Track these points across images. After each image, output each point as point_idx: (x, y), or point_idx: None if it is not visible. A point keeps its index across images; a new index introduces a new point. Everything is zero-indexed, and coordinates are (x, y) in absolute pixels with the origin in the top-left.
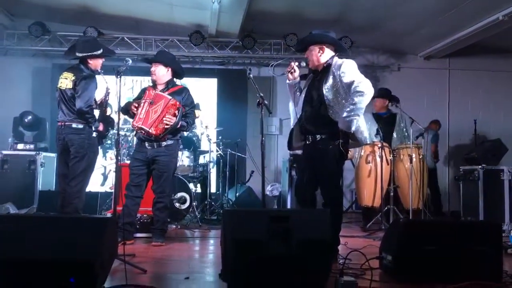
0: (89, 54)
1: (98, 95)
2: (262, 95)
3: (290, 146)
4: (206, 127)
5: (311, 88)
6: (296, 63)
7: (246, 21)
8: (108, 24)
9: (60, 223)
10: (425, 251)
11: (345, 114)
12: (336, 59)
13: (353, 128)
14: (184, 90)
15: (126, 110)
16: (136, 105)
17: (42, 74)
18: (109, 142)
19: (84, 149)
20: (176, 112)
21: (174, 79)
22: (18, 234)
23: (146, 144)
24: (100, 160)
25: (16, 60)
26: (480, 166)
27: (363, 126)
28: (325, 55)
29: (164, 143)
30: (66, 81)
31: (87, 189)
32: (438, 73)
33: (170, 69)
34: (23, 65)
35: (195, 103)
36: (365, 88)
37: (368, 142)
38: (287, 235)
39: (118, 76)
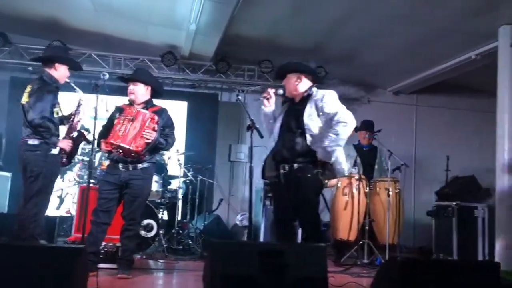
0: (55, 55)
1: (68, 109)
2: (252, 118)
3: (263, 175)
4: (177, 150)
5: (289, 116)
6: (273, 90)
7: (221, 45)
8: (75, 39)
9: (27, 253)
10: None
11: (326, 144)
12: (317, 89)
13: (333, 159)
14: (164, 111)
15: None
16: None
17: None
18: None
19: (39, 168)
20: (155, 126)
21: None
22: None
23: (120, 166)
24: (57, 182)
25: None
26: (454, 203)
27: (342, 157)
28: (303, 84)
29: (140, 166)
30: (25, 94)
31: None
32: (406, 108)
33: (149, 88)
34: None
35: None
36: (349, 119)
37: (346, 174)
38: (282, 272)
39: (96, 91)
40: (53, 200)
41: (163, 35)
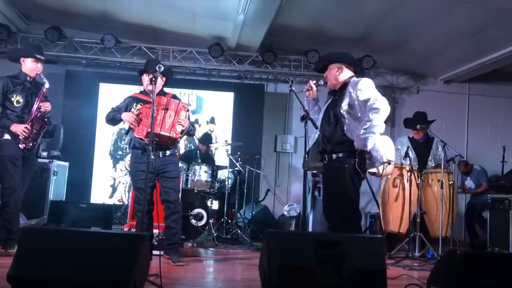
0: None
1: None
2: (306, 109)
3: (307, 166)
4: (226, 141)
5: (329, 107)
6: (314, 81)
7: (267, 35)
8: (126, 32)
9: (94, 239)
10: (483, 286)
11: (361, 132)
12: (354, 78)
13: (369, 147)
14: (176, 97)
15: (114, 119)
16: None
17: (55, 80)
18: (120, 153)
19: None
20: (187, 114)
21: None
22: (51, 252)
23: (152, 154)
24: (109, 171)
25: None
26: (511, 195)
27: (379, 144)
28: (344, 74)
29: (168, 152)
30: None
31: (98, 201)
32: (458, 97)
33: (165, 78)
34: None
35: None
36: (381, 105)
37: (384, 161)
38: (340, 262)
39: (153, 83)
40: (107, 189)
41: (211, 26)
